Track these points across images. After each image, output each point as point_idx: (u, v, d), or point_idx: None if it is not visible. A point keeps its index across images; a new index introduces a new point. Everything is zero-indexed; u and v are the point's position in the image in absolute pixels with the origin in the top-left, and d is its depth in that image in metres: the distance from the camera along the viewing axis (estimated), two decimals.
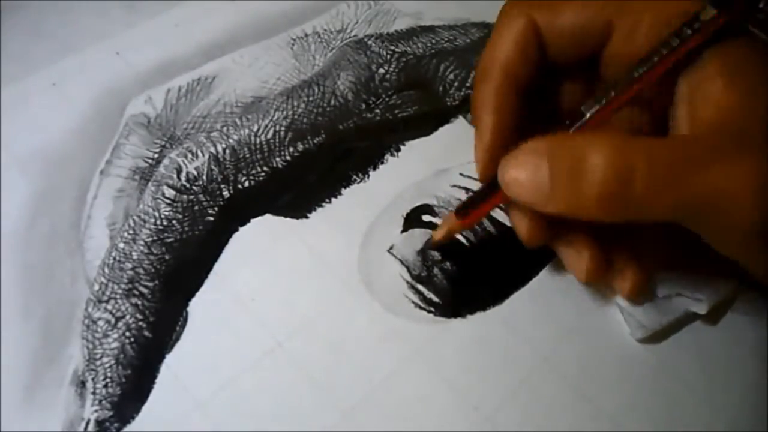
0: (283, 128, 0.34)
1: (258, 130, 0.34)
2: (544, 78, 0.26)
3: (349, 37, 0.38)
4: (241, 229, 0.31)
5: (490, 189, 0.25)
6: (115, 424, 0.26)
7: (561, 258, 0.27)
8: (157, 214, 0.31)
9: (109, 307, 0.28)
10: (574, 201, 0.22)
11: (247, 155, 0.33)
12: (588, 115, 0.24)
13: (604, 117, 0.24)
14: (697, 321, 0.30)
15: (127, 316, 0.28)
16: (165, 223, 0.31)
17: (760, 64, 0.22)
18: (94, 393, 0.27)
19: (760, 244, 0.21)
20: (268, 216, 0.32)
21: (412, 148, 0.34)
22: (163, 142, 0.34)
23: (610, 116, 0.24)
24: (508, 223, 0.31)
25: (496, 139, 0.24)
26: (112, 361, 0.27)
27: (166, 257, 0.30)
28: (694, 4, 0.23)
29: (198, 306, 0.29)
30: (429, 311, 0.29)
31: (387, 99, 0.36)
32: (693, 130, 0.22)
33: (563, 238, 0.26)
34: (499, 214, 0.32)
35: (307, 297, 0.30)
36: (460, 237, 0.31)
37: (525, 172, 0.22)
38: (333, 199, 0.32)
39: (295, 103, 0.35)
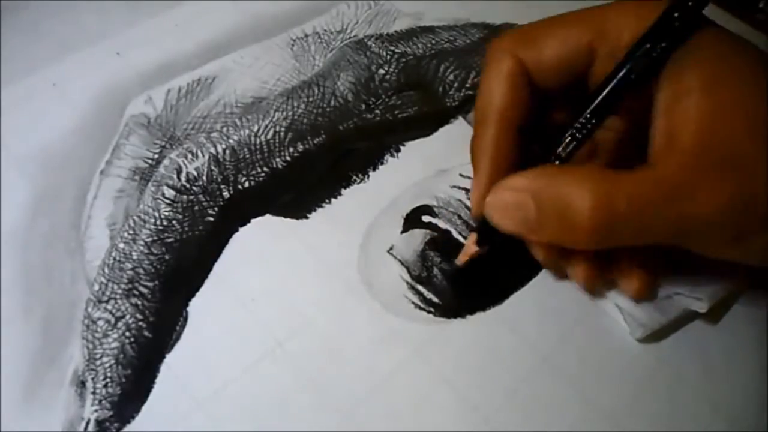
0: (283, 129, 0.34)
1: (258, 130, 0.34)
2: (536, 108, 0.26)
3: (349, 38, 0.38)
4: (241, 229, 0.31)
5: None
6: (115, 424, 0.26)
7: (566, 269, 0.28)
8: (157, 215, 0.31)
9: (109, 307, 0.28)
10: (560, 235, 0.23)
11: (247, 155, 0.33)
12: (563, 155, 0.25)
13: (583, 141, 0.24)
14: (697, 320, 0.30)
15: (127, 316, 0.28)
16: (165, 223, 0.31)
17: (739, 73, 0.22)
18: (94, 393, 0.27)
19: (748, 246, 0.22)
20: (268, 216, 0.32)
21: (412, 148, 0.34)
22: (163, 143, 0.34)
23: (589, 137, 0.24)
24: None
25: (491, 182, 0.25)
26: (112, 361, 0.27)
27: (166, 257, 0.30)
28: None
29: (198, 306, 0.29)
30: (429, 311, 0.29)
31: (387, 99, 0.36)
32: (670, 148, 0.22)
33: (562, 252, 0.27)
34: None
35: (307, 297, 0.30)
36: (460, 237, 0.31)
37: (510, 209, 0.24)
38: (333, 200, 0.32)
39: (295, 104, 0.35)
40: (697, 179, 0.21)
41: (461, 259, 0.28)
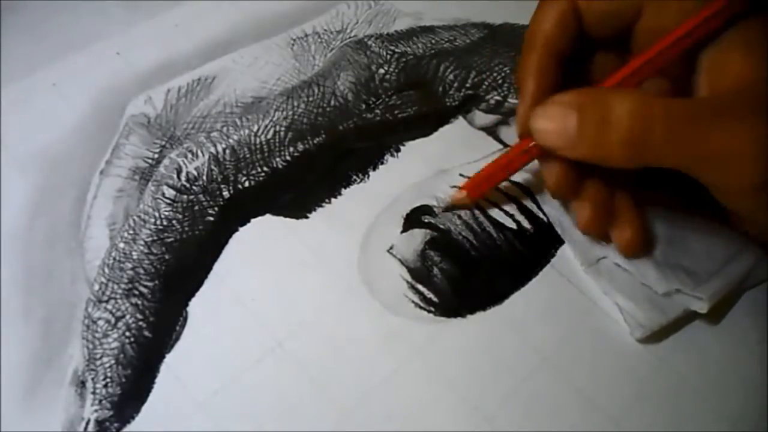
0: (283, 128, 0.34)
1: (258, 130, 0.34)
2: (581, 49, 0.29)
3: (349, 38, 0.38)
4: (241, 229, 0.31)
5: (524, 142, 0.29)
6: (115, 424, 0.26)
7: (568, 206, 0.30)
8: (157, 214, 0.31)
9: (109, 307, 0.28)
10: (598, 147, 0.25)
11: (247, 155, 0.33)
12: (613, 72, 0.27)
13: (631, 83, 0.27)
14: (697, 320, 0.30)
15: (127, 316, 0.28)
16: (165, 223, 0.31)
17: None
18: (94, 393, 0.27)
19: (759, 199, 0.24)
20: (268, 216, 0.32)
21: (412, 148, 0.34)
22: (163, 142, 0.34)
23: (637, 83, 0.27)
24: (508, 224, 0.31)
25: (535, 101, 0.27)
26: (112, 361, 0.27)
27: (166, 257, 0.30)
28: None
29: (198, 306, 0.29)
30: (429, 311, 0.29)
31: (387, 99, 0.36)
32: (710, 94, 0.25)
33: (571, 188, 0.29)
34: (498, 215, 0.32)
35: (307, 297, 0.30)
36: (460, 237, 0.31)
37: (554, 120, 0.26)
38: (333, 199, 0.32)
39: (295, 104, 0.35)
40: (733, 115, 0.23)
41: (460, 191, 0.30)
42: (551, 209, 0.31)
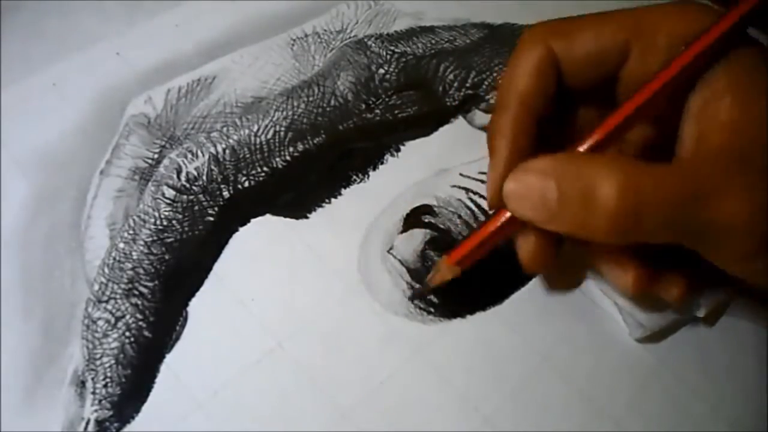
0: (283, 128, 0.34)
1: (258, 130, 0.34)
2: (560, 103, 0.26)
3: (349, 38, 0.38)
4: (241, 229, 0.31)
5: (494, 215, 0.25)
6: (115, 424, 0.26)
7: (605, 276, 0.27)
8: (157, 214, 0.31)
9: (109, 307, 0.28)
10: (582, 225, 0.22)
11: (247, 155, 0.33)
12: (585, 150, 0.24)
13: (614, 136, 0.24)
14: (696, 321, 0.30)
15: (127, 316, 0.28)
16: (165, 223, 0.31)
17: None
18: (94, 393, 0.27)
19: (755, 267, 0.22)
20: (268, 216, 0.32)
21: (412, 148, 0.34)
22: (163, 143, 0.34)
23: (620, 135, 0.24)
24: None
25: (508, 168, 0.24)
26: (112, 361, 0.27)
27: (166, 257, 0.30)
28: (711, 19, 0.23)
29: (198, 306, 0.29)
30: (429, 311, 0.29)
31: (387, 99, 0.36)
32: (698, 151, 0.22)
33: (603, 258, 0.26)
34: None
35: (307, 297, 0.30)
36: (460, 237, 0.31)
37: (531, 191, 0.23)
38: (333, 199, 0.32)
39: (295, 104, 0.35)
40: (724, 182, 0.21)
41: (433, 280, 0.26)
42: None
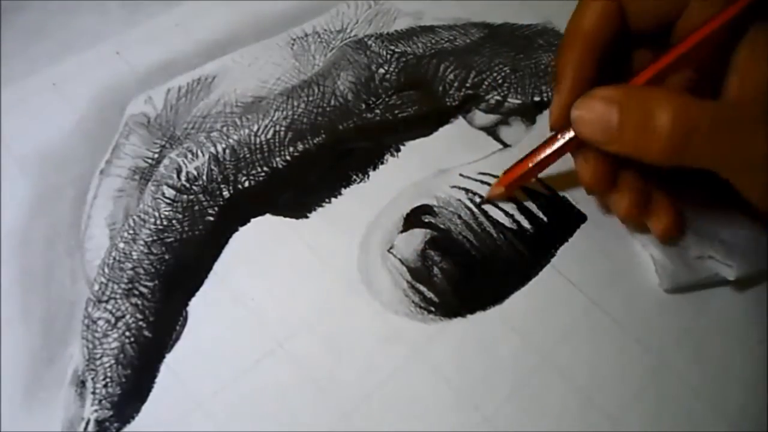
0: (283, 128, 0.34)
1: (258, 130, 0.34)
2: (620, 43, 0.29)
3: (349, 37, 0.38)
4: (241, 229, 0.31)
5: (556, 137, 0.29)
6: (115, 424, 0.26)
7: (604, 198, 0.31)
8: (157, 214, 0.31)
9: (109, 307, 0.28)
10: (638, 146, 0.26)
11: (247, 155, 0.33)
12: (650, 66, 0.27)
13: (666, 74, 0.27)
14: (698, 320, 0.30)
15: (127, 316, 0.28)
16: (165, 223, 0.31)
17: None
18: (94, 393, 0.27)
19: None
20: (268, 216, 0.32)
21: (412, 148, 0.34)
22: (163, 142, 0.34)
23: (670, 74, 0.27)
24: (508, 224, 0.31)
25: (573, 95, 0.28)
26: (112, 361, 0.27)
27: (166, 257, 0.30)
28: None
29: (198, 306, 0.29)
30: (429, 311, 0.29)
31: (387, 99, 0.36)
32: (740, 96, 0.26)
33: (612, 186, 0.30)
34: (498, 215, 0.32)
35: (307, 297, 0.30)
36: (460, 237, 0.31)
37: (596, 115, 0.26)
38: (333, 199, 0.32)
39: (295, 103, 0.35)
40: (760, 125, 0.25)
41: (497, 185, 0.31)
42: None
